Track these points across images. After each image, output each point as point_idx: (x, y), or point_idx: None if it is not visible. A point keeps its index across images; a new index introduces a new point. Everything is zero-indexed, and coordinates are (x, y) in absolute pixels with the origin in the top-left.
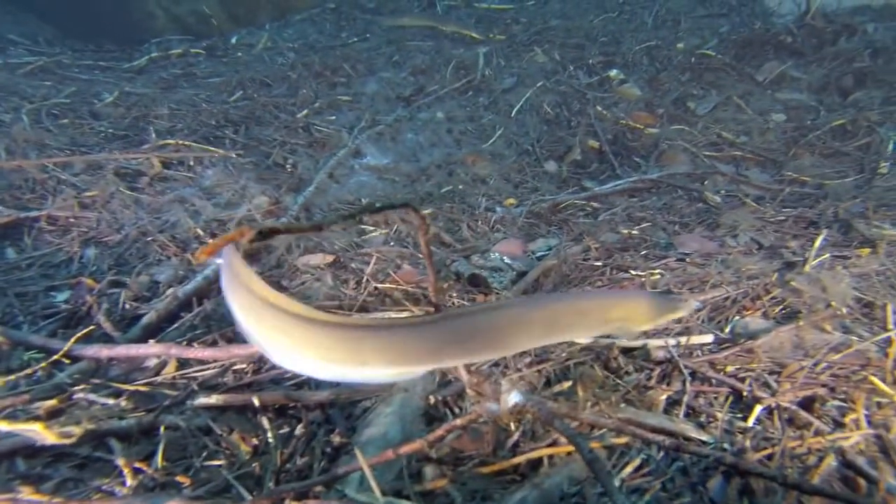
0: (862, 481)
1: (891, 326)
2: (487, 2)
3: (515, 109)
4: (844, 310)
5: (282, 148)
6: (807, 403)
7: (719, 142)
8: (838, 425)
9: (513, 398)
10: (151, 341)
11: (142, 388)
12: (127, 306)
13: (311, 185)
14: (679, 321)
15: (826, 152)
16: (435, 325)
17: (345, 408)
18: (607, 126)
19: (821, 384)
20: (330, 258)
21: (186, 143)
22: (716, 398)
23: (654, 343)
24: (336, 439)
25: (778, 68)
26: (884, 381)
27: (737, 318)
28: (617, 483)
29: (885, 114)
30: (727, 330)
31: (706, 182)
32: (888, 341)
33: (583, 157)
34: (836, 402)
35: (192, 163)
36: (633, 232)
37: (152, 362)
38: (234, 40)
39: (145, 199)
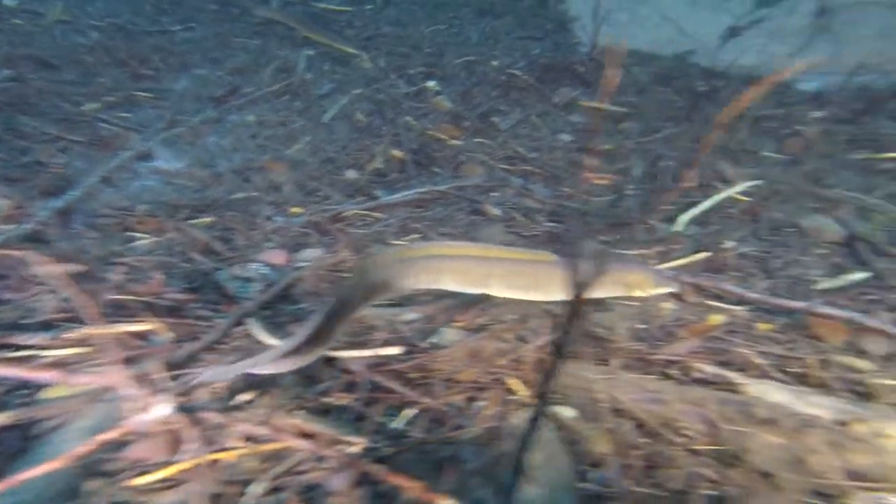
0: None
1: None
2: (325, 2)
3: (328, 116)
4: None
5: (52, 144)
6: (461, 404)
7: (515, 156)
8: (476, 420)
9: (159, 410)
10: None
11: None
12: None
13: (76, 188)
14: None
15: (597, 172)
16: (486, 262)
17: (27, 428)
18: (414, 136)
19: (478, 387)
20: (79, 267)
21: None
22: (386, 403)
23: (349, 354)
24: None
25: (570, 94)
26: (521, 381)
27: (443, 328)
28: (267, 480)
29: (640, 143)
30: (432, 340)
31: (494, 194)
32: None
33: (385, 166)
34: (482, 402)
35: None
36: (398, 243)
37: None
38: (13, 3)
39: None
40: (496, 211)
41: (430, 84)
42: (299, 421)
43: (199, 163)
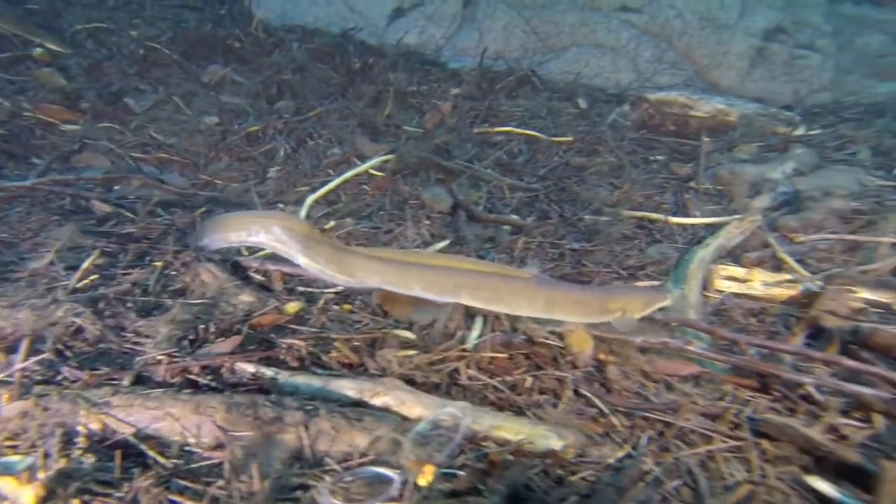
0: None
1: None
2: None
3: None
4: None
5: None
6: None
7: (150, 142)
8: None
9: None
10: None
11: None
12: None
13: None
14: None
15: (241, 156)
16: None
17: None
18: (1, 119)
19: None
20: None
21: None
22: None
23: None
24: None
25: (221, 71)
26: None
27: None
28: None
29: (288, 123)
30: None
31: (116, 187)
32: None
33: None
34: None
35: None
36: None
37: None
38: None
39: None
40: (107, 207)
41: (38, 51)
42: None
43: None
